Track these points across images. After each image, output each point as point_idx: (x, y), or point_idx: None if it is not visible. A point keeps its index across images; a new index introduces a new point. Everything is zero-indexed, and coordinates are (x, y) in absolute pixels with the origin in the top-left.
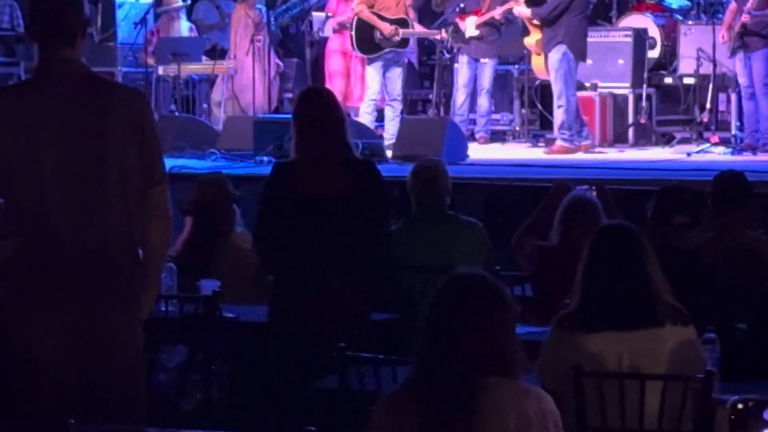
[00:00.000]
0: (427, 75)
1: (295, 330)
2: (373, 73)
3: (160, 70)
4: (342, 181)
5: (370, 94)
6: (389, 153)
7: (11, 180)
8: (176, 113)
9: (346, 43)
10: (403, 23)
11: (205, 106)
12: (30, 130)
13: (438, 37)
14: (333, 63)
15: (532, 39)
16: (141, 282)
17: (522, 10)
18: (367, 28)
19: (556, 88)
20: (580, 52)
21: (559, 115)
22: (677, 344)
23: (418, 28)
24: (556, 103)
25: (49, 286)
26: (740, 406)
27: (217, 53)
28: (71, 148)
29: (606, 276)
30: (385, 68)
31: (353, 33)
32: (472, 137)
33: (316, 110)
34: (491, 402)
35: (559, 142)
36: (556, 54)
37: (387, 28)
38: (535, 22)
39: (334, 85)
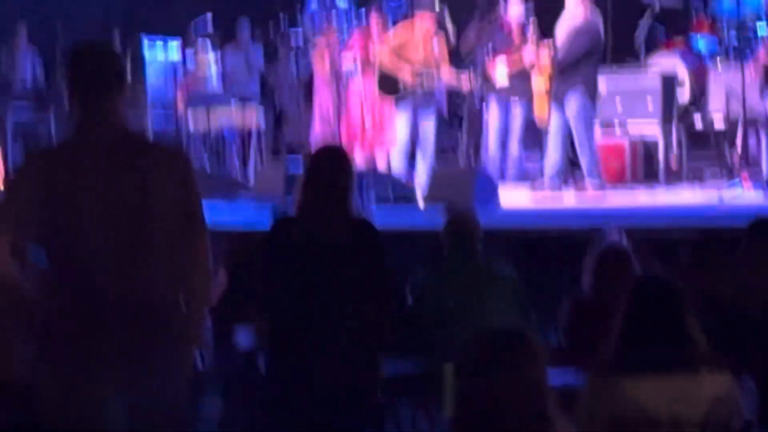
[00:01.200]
0: (456, 122)
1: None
2: (402, 117)
3: (191, 121)
4: (339, 232)
5: (400, 140)
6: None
7: (55, 239)
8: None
9: (370, 84)
10: (428, 68)
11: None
12: (73, 189)
13: (465, 85)
14: (354, 104)
15: (542, 85)
16: (184, 334)
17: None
18: (390, 72)
19: (578, 134)
20: (593, 95)
21: (583, 163)
22: (715, 391)
23: (445, 74)
24: (580, 149)
25: (92, 345)
26: None
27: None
28: (114, 205)
29: (643, 326)
30: (416, 114)
31: (376, 76)
32: (502, 176)
33: (325, 172)
34: None
35: (592, 181)
36: (578, 99)
37: (407, 73)
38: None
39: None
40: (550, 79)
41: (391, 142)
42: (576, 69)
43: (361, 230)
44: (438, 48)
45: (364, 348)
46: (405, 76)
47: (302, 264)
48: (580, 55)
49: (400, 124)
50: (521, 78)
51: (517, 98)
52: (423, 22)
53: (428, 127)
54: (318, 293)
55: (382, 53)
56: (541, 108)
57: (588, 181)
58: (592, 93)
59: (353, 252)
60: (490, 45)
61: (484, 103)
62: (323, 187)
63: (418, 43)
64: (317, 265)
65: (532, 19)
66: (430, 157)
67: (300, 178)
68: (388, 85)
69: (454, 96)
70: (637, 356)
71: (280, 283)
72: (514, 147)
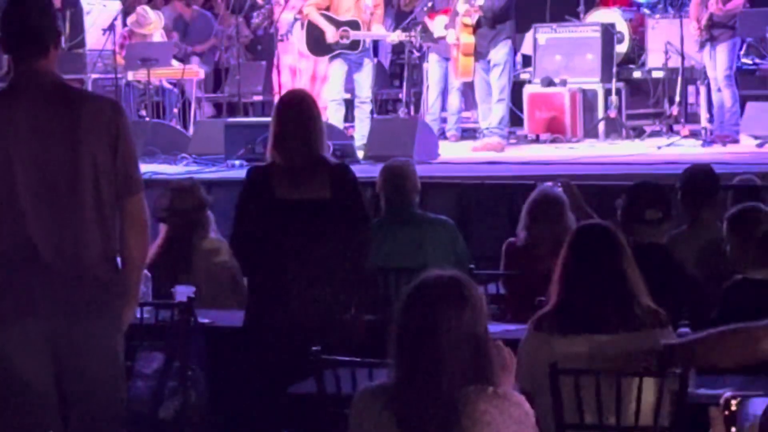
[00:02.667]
0: (397, 74)
1: (273, 335)
2: (335, 72)
3: (130, 76)
4: (319, 184)
5: (334, 93)
6: (360, 154)
7: None
8: (146, 119)
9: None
10: (353, 25)
11: (175, 110)
12: (3, 140)
13: (390, 39)
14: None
15: (467, 40)
16: (120, 291)
17: (468, 8)
18: (317, 29)
19: (500, 84)
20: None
21: (500, 110)
22: (654, 347)
23: (376, 30)
24: (496, 97)
25: (26, 296)
26: (734, 402)
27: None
28: (45, 158)
29: (583, 277)
30: (350, 69)
31: (304, 34)
32: (443, 136)
33: (296, 115)
34: (471, 415)
35: (496, 139)
36: (503, 49)
37: (330, 32)
38: (468, 23)
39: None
40: (475, 32)
41: (328, 97)
42: (502, 16)
43: (340, 178)
44: (368, 3)
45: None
46: (329, 34)
47: (281, 216)
48: (506, 8)
49: (333, 79)
50: None
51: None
52: None
53: (360, 80)
54: (301, 244)
55: (310, 12)
56: (466, 65)
57: (496, 131)
58: (515, 45)
59: (334, 202)
60: (429, 2)
61: (424, 57)
62: (292, 133)
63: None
64: (297, 217)
65: None
66: (366, 110)
67: (270, 126)
68: (318, 44)
69: (396, 49)
70: (578, 312)
71: (262, 234)
72: (454, 101)
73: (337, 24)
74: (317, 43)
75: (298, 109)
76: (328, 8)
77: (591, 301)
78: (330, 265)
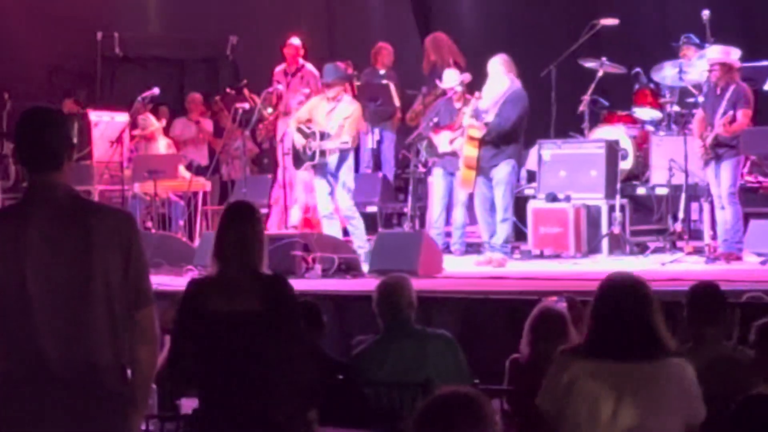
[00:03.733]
0: (402, 188)
1: None
2: (317, 186)
3: (137, 188)
4: (251, 296)
5: (321, 209)
6: (365, 267)
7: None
8: (152, 230)
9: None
10: (322, 136)
11: (181, 222)
12: (16, 253)
13: (343, 145)
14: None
15: (470, 153)
16: (129, 403)
17: (475, 124)
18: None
19: (503, 202)
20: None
21: (504, 229)
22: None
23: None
24: (500, 216)
25: (35, 408)
26: None
27: (194, 170)
28: (58, 271)
29: (611, 320)
30: (326, 181)
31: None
32: (447, 250)
33: (234, 226)
34: None
35: (500, 256)
36: (506, 168)
37: (299, 143)
38: (474, 135)
39: (299, 197)
40: (480, 146)
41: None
42: (509, 137)
43: (272, 290)
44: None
45: (289, 416)
46: (297, 145)
47: (214, 330)
48: (516, 123)
49: (317, 194)
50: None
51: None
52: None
53: (337, 194)
54: (233, 359)
55: (291, 124)
56: (467, 177)
57: (500, 248)
58: (519, 164)
59: (265, 315)
60: (435, 118)
61: (428, 171)
62: (231, 244)
63: (321, 112)
64: (228, 331)
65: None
66: (356, 224)
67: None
68: (296, 156)
69: (401, 163)
70: (604, 343)
71: (198, 350)
72: (459, 215)
73: (307, 136)
74: (295, 156)
75: (237, 219)
76: (308, 120)
77: (617, 336)
78: (267, 381)
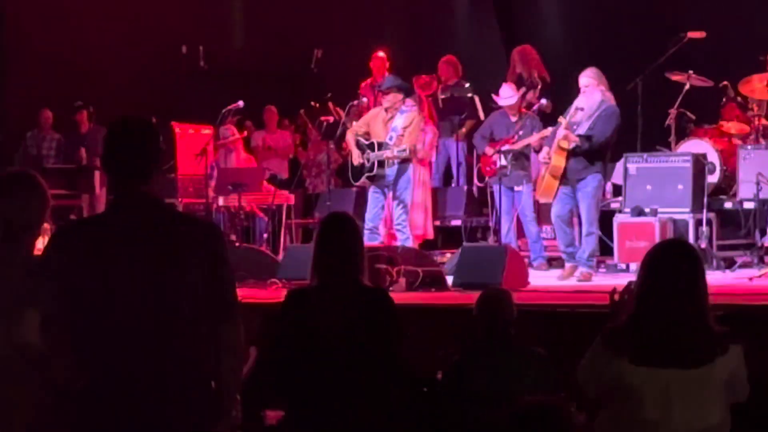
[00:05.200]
0: (486, 202)
1: None
2: (369, 198)
3: (220, 201)
4: (350, 308)
5: (367, 220)
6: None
7: (86, 311)
8: (237, 243)
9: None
10: (379, 147)
11: (265, 235)
12: (102, 262)
13: (401, 153)
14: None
15: (558, 162)
16: (213, 414)
17: (570, 136)
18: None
19: (589, 216)
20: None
21: (590, 244)
22: (726, 374)
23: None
24: (586, 230)
25: (119, 422)
26: None
27: (276, 183)
28: (146, 281)
29: (661, 294)
30: (381, 194)
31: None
32: (529, 265)
33: (334, 237)
34: None
35: (585, 270)
36: (593, 182)
37: (355, 155)
38: (564, 147)
39: (414, 217)
40: (567, 159)
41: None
42: (599, 151)
43: (375, 303)
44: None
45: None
46: (354, 157)
47: (312, 340)
48: (609, 139)
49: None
50: (522, 164)
51: (522, 187)
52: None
53: (397, 204)
54: (329, 369)
55: (349, 138)
56: (549, 186)
57: (585, 263)
58: (605, 178)
59: (365, 327)
60: (489, 134)
61: (493, 188)
62: (331, 255)
63: (378, 123)
64: (327, 341)
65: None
66: (400, 237)
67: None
68: (353, 170)
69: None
70: (650, 342)
71: (295, 362)
72: (532, 229)
73: (365, 148)
74: (353, 170)
75: (337, 230)
76: (367, 133)
77: (663, 331)
78: (359, 394)
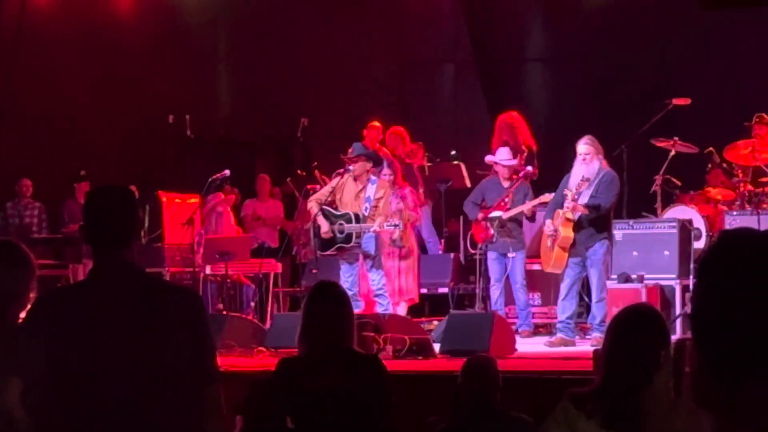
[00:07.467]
0: (473, 269)
1: None
2: (342, 269)
3: (208, 270)
4: (340, 375)
5: (377, 287)
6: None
7: (66, 380)
8: (224, 312)
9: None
10: (348, 219)
11: (252, 304)
12: (85, 329)
13: (373, 230)
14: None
15: (567, 234)
16: None
17: (577, 207)
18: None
19: (599, 282)
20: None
21: (601, 308)
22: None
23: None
24: (597, 296)
25: None
26: None
27: (264, 252)
28: (126, 349)
29: (621, 359)
30: (353, 265)
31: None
32: (515, 332)
33: (321, 306)
34: None
35: (600, 335)
36: (601, 248)
37: (324, 228)
38: (570, 218)
39: (404, 282)
40: (574, 229)
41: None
42: (604, 218)
43: (369, 369)
44: (371, 195)
45: None
46: (322, 229)
47: (303, 407)
48: (614, 205)
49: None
50: (516, 230)
51: (515, 254)
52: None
53: (372, 273)
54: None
55: (311, 207)
56: (560, 257)
57: (595, 329)
58: (612, 241)
59: (356, 393)
60: (481, 200)
61: (487, 255)
62: (319, 323)
63: (349, 193)
64: (317, 408)
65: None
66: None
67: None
68: (322, 241)
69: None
70: (611, 407)
71: (283, 428)
72: (521, 296)
73: (333, 218)
74: (321, 241)
75: (325, 299)
76: (332, 203)
77: (627, 394)
78: None
